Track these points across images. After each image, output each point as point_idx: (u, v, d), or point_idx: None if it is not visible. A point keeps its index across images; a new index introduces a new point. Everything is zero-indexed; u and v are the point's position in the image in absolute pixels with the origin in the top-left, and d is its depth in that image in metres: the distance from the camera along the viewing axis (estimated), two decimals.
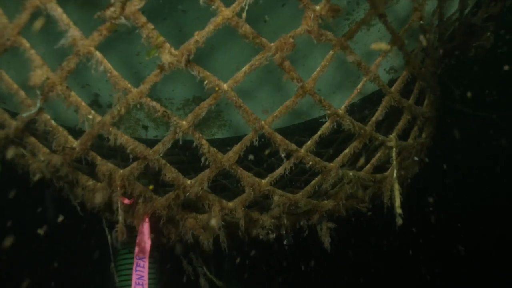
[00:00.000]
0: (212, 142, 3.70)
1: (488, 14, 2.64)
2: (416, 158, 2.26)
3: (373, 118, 1.94)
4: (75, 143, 1.74)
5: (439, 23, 2.33)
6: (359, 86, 1.84)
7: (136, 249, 2.03)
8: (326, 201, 2.01)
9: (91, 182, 1.91)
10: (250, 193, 1.82)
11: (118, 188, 1.84)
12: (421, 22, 1.98)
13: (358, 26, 1.73)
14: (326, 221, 2.05)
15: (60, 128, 1.75)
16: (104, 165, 1.83)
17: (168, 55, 1.53)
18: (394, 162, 2.00)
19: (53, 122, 1.74)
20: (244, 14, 1.51)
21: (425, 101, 2.25)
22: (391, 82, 2.66)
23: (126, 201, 1.99)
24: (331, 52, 1.72)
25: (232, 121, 3.56)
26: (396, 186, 1.97)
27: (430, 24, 2.20)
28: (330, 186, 1.98)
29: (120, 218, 1.80)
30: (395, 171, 2.00)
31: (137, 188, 1.90)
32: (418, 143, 2.24)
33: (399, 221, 1.90)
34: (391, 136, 2.01)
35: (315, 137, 1.83)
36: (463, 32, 2.54)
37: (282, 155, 1.75)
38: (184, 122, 1.69)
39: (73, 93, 1.66)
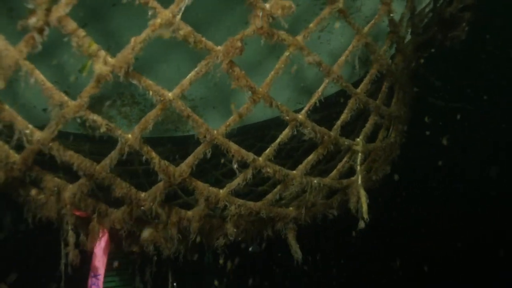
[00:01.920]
0: (188, 138, 3.53)
1: (464, 4, 2.42)
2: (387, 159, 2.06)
3: (339, 122, 1.73)
4: (16, 159, 1.53)
5: (411, 16, 2.11)
6: (320, 89, 1.63)
7: (92, 266, 1.85)
8: (290, 209, 1.81)
9: (41, 196, 1.71)
10: (205, 206, 1.62)
11: (67, 205, 1.65)
12: (391, 15, 1.75)
13: (315, 24, 1.51)
14: (291, 227, 1.86)
15: (0, 143, 1.53)
16: (51, 181, 1.63)
17: (103, 66, 1.31)
18: (359, 167, 1.80)
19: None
20: (178, 17, 1.29)
21: (393, 99, 2.03)
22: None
23: (81, 213, 1.79)
24: (286, 53, 1.50)
25: (207, 115, 3.33)
26: (362, 192, 1.77)
27: (401, 18, 1.97)
28: (295, 193, 1.78)
29: (70, 239, 1.60)
30: (359, 177, 1.80)
31: (89, 204, 1.70)
32: (387, 143, 2.04)
33: (361, 224, 1.72)
34: (357, 139, 1.81)
35: (274, 145, 1.62)
36: (437, 24, 2.32)
37: (235, 167, 1.55)
38: (129, 136, 1.48)
39: (7, 107, 1.45)
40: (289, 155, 3.14)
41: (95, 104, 3.13)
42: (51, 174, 1.63)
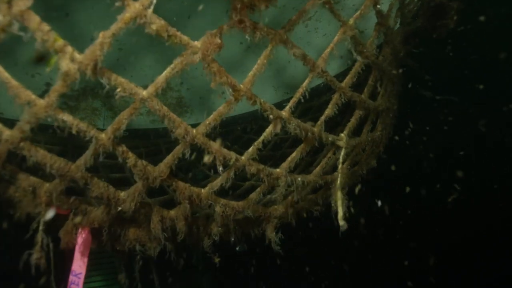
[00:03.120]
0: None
1: None
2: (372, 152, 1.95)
3: (322, 118, 1.61)
4: None
5: (401, 6, 1.99)
6: (304, 84, 1.50)
7: (73, 265, 1.73)
8: (274, 207, 1.70)
9: (18, 194, 1.59)
10: (186, 206, 1.51)
11: (43, 204, 1.53)
12: (378, 6, 1.62)
13: (298, 16, 1.38)
14: (275, 224, 1.74)
15: None
16: (25, 180, 1.51)
17: (69, 62, 1.18)
18: (340, 165, 1.68)
19: None
20: (150, 10, 1.16)
21: (380, 92, 1.92)
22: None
23: (63, 211, 1.68)
24: (269, 47, 1.38)
25: (194, 106, 3.20)
26: (339, 195, 1.66)
27: (389, 9, 1.84)
28: (281, 191, 1.67)
29: (39, 238, 1.49)
30: (339, 176, 1.68)
31: (65, 202, 1.58)
32: (372, 137, 1.92)
33: (344, 226, 1.61)
34: (341, 134, 1.69)
35: (257, 143, 1.50)
36: (425, 13, 2.19)
37: (219, 168, 1.43)
38: (103, 135, 1.35)
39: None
40: (277, 147, 3.03)
41: (78, 96, 2.99)
42: (26, 173, 1.52)
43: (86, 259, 1.80)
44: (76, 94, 3.00)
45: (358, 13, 1.57)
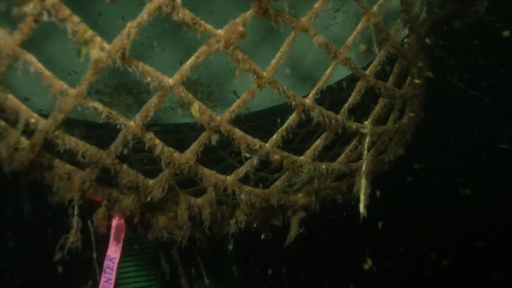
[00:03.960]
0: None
1: None
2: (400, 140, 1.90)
3: (346, 105, 1.58)
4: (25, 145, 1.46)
5: None
6: (327, 72, 1.48)
7: (108, 250, 1.78)
8: (299, 195, 1.69)
9: (55, 180, 1.64)
10: (212, 193, 1.52)
11: (76, 190, 1.57)
12: None
13: (321, 3, 1.36)
14: (300, 214, 1.73)
15: (11, 129, 1.46)
16: (62, 167, 1.55)
17: (99, 51, 1.20)
18: (365, 152, 1.65)
19: (3, 122, 1.45)
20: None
21: (407, 79, 1.87)
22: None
23: (97, 198, 1.72)
24: (291, 35, 1.36)
25: (223, 101, 3.21)
26: (363, 182, 1.63)
27: None
28: (306, 179, 1.66)
29: (75, 223, 1.53)
30: (364, 163, 1.65)
31: (100, 190, 1.62)
32: (400, 125, 1.88)
33: (364, 214, 1.57)
34: (366, 122, 1.66)
35: (281, 130, 1.50)
36: None
37: (245, 154, 1.43)
38: (132, 123, 1.38)
39: (10, 96, 1.36)
40: (305, 140, 3.00)
41: (112, 93, 3.06)
42: (62, 161, 1.56)
43: (120, 245, 1.84)
44: (110, 91, 3.07)
45: (381, 0, 1.54)
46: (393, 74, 1.74)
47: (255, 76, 1.32)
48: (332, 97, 2.73)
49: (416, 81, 1.83)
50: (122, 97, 3.00)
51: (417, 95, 1.92)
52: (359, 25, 1.50)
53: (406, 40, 1.95)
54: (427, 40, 2.05)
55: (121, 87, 2.96)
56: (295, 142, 2.90)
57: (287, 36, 1.36)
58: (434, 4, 2.01)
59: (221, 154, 2.98)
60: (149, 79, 1.27)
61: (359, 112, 1.98)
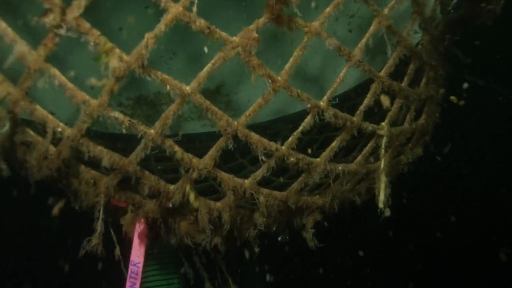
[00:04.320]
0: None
1: None
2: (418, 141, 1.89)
3: (362, 107, 1.59)
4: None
5: None
6: (341, 74, 1.50)
7: (131, 255, 1.81)
8: (317, 197, 1.70)
9: (82, 186, 1.70)
10: (231, 197, 1.54)
11: (102, 195, 1.62)
12: None
13: (333, 7, 1.38)
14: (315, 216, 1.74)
15: (40, 139, 1.52)
16: (87, 173, 1.61)
17: (118, 61, 1.25)
18: (383, 152, 1.65)
19: (32, 132, 1.51)
20: (194, 9, 1.21)
21: (422, 80, 1.86)
22: None
23: (121, 204, 1.77)
24: (304, 39, 1.39)
25: (242, 110, 3.25)
26: (383, 179, 1.63)
27: None
28: (322, 181, 1.67)
29: (98, 227, 1.57)
30: (382, 161, 1.65)
31: (123, 195, 1.67)
32: (417, 125, 1.87)
33: (387, 212, 1.57)
34: (383, 123, 1.66)
35: (297, 133, 1.51)
36: None
37: (261, 157, 1.45)
38: (152, 131, 1.42)
39: (38, 107, 1.43)
40: (324, 144, 2.99)
41: (134, 105, 3.14)
42: (87, 167, 1.61)
43: (143, 250, 1.88)
44: (132, 103, 3.15)
45: (393, 2, 1.55)
46: (408, 75, 1.74)
47: (269, 81, 1.35)
48: (349, 103, 2.74)
49: (432, 83, 1.82)
50: (143, 109, 3.07)
51: (433, 95, 1.91)
52: (371, 28, 1.51)
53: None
54: (443, 39, 2.04)
55: (142, 100, 3.03)
56: (316, 149, 2.91)
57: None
58: (448, 4, 2.00)
59: (241, 162, 3.02)
60: (168, 87, 1.31)
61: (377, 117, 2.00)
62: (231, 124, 1.40)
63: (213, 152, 1.47)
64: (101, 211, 1.60)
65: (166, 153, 1.50)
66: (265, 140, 1.45)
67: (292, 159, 1.51)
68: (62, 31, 1.21)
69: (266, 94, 1.39)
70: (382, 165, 1.64)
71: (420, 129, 1.92)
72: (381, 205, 1.58)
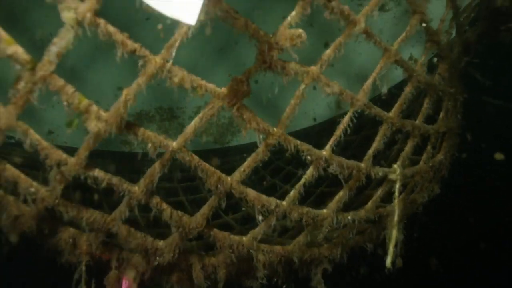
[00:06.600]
0: (227, 150, 3.43)
1: None
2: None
3: (370, 152, 1.52)
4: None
5: (455, 15, 1.84)
6: (344, 120, 1.41)
7: None
8: (324, 246, 1.63)
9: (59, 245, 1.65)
10: (227, 254, 1.49)
11: (83, 255, 1.57)
12: (424, 25, 1.51)
13: (333, 49, 1.31)
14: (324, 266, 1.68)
15: (22, 176, 1.46)
16: (65, 232, 1.56)
17: (95, 122, 1.19)
18: (396, 200, 1.58)
19: (15, 170, 1.46)
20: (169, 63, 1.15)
21: (440, 113, 1.78)
22: None
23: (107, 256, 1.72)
24: (301, 86, 1.31)
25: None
26: (394, 234, 1.55)
27: (441, 21, 1.71)
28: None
29: (83, 280, 1.52)
30: (396, 214, 1.58)
31: (106, 250, 1.61)
32: (434, 162, 1.79)
33: (389, 268, 1.50)
34: (394, 166, 1.59)
35: (298, 186, 1.45)
36: (486, 17, 2.02)
37: (259, 218, 1.39)
38: (136, 188, 1.36)
39: (8, 166, 1.37)
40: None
41: (134, 121, 3.12)
42: (65, 225, 1.56)
43: None
44: (132, 119, 3.14)
45: (403, 35, 1.47)
46: (423, 110, 1.67)
47: (261, 136, 1.28)
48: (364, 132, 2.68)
49: (451, 115, 1.74)
50: (144, 125, 3.10)
51: (453, 127, 1.83)
52: (378, 66, 1.44)
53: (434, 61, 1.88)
54: (460, 62, 1.96)
55: (143, 115, 3.11)
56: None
57: None
58: (464, 24, 1.92)
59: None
60: (149, 145, 1.25)
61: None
62: (224, 181, 1.34)
63: (205, 210, 1.40)
64: (83, 268, 1.56)
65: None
66: (263, 197, 1.39)
67: (294, 215, 1.44)
68: (36, 93, 1.16)
69: (263, 147, 1.33)
70: (395, 217, 1.56)
71: (438, 165, 1.84)
72: (388, 264, 1.50)
